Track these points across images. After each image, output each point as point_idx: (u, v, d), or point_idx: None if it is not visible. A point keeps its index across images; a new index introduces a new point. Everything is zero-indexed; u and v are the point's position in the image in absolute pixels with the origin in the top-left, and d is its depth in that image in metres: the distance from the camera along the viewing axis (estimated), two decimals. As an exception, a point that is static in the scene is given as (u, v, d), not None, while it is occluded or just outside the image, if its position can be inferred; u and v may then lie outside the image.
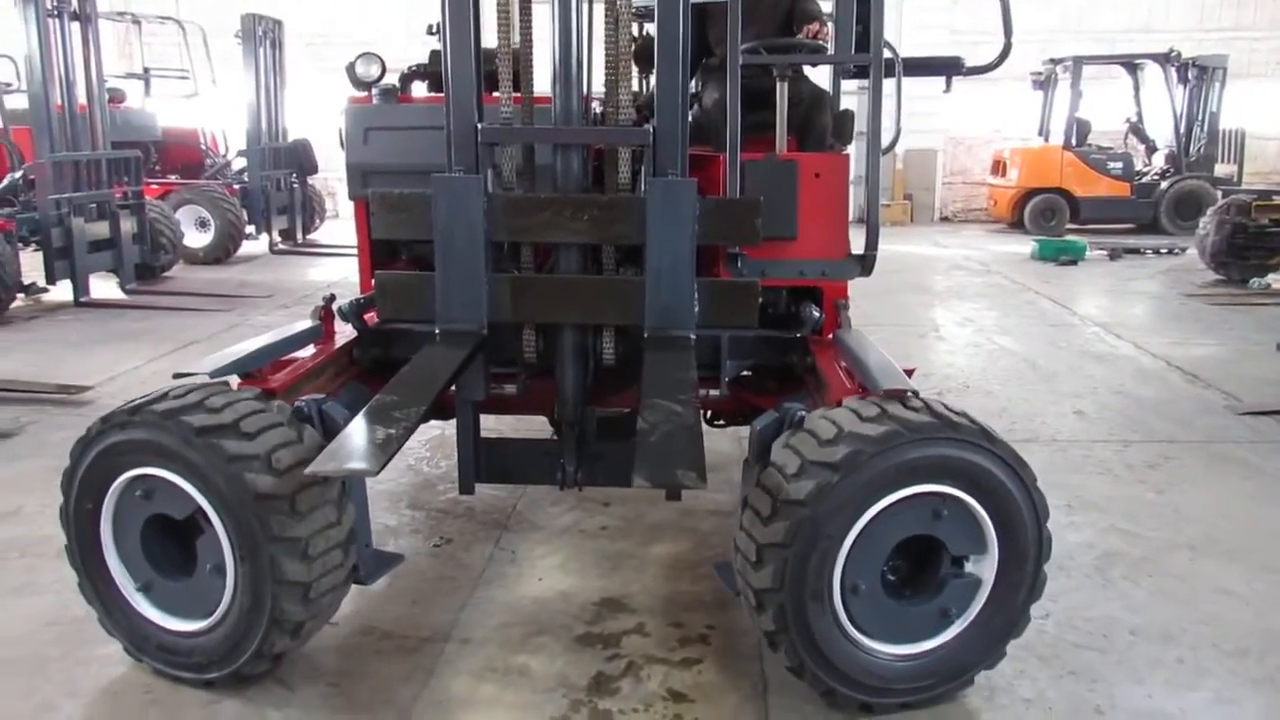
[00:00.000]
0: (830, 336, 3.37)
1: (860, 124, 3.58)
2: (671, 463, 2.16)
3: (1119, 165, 14.60)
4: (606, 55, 2.99)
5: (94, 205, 8.53)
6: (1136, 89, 14.64)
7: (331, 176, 15.73)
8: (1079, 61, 14.25)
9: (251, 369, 2.96)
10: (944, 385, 6.01)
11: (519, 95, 3.04)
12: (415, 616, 3.09)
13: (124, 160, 8.97)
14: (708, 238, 2.99)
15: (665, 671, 2.77)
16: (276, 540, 2.43)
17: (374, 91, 3.60)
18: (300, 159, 12.44)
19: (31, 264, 8.33)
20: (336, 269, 10.91)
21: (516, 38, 3.04)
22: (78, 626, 2.97)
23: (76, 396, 5.58)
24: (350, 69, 3.65)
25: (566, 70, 2.91)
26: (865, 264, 3.29)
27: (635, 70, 3.12)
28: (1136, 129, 15.03)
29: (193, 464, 2.46)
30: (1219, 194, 12.32)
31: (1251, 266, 9.82)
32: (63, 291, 8.47)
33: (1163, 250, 12.46)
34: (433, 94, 3.74)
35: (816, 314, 3.33)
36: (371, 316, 3.49)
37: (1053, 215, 14.69)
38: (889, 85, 3.22)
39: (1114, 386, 6.02)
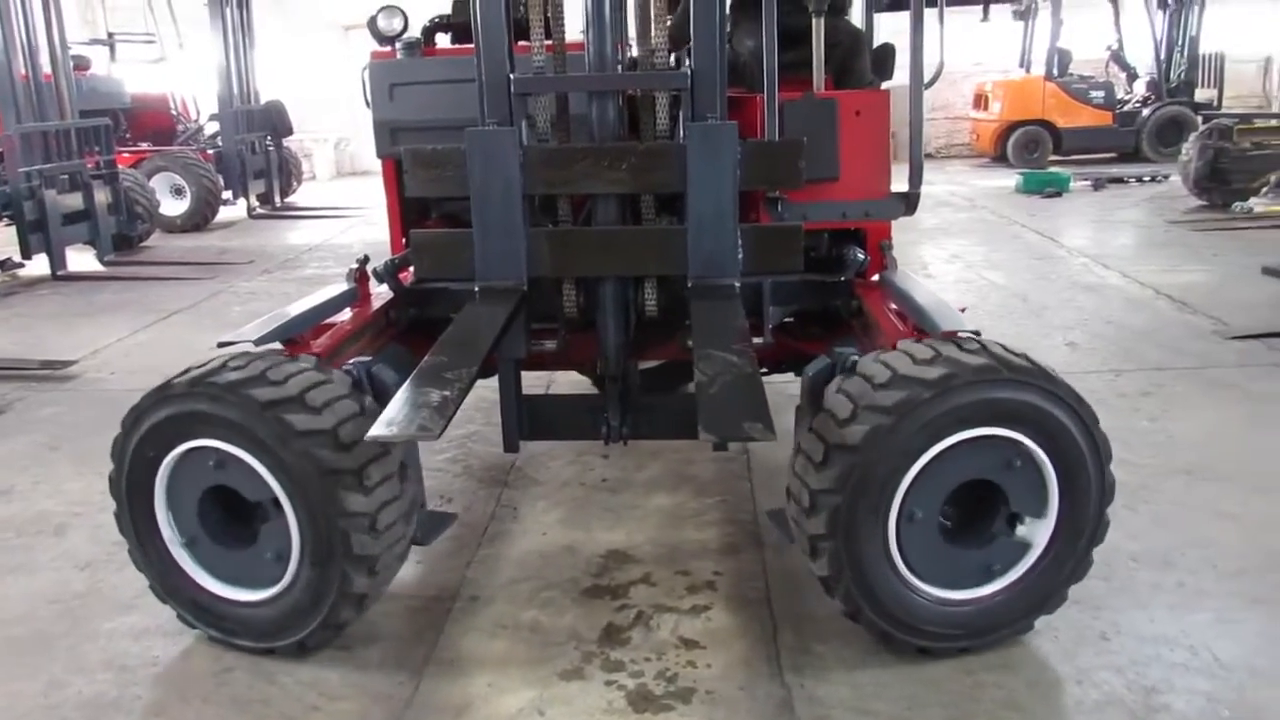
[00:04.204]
0: (876, 279, 3.27)
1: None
2: (736, 415, 2.13)
3: (1100, 94, 14.52)
4: None
5: (66, 176, 8.36)
6: (1116, 16, 14.50)
7: (307, 138, 15.50)
8: (1059, -11, 14.10)
9: (294, 335, 2.90)
10: (935, 323, 6.00)
11: (551, 43, 2.95)
12: (422, 576, 3.09)
13: (94, 129, 8.79)
14: (750, 182, 2.91)
15: (675, 619, 2.78)
16: (347, 516, 2.41)
17: (397, 46, 3.49)
18: (274, 121, 12.22)
19: (6, 239, 8.20)
20: (317, 232, 10.75)
21: None
22: (80, 603, 2.96)
23: (61, 372, 5.52)
24: (372, 23, 3.53)
25: (599, 14, 2.81)
26: (909, 202, 3.22)
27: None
28: (1117, 57, 14.93)
29: (261, 440, 2.40)
30: (1200, 119, 12.28)
31: (1234, 191, 9.78)
32: (39, 266, 8.35)
33: (1146, 178, 12.44)
34: (459, 45, 3.64)
35: (860, 256, 3.22)
36: (407, 276, 3.43)
37: (1036, 147, 14.62)
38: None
39: (1104, 316, 6.03)
